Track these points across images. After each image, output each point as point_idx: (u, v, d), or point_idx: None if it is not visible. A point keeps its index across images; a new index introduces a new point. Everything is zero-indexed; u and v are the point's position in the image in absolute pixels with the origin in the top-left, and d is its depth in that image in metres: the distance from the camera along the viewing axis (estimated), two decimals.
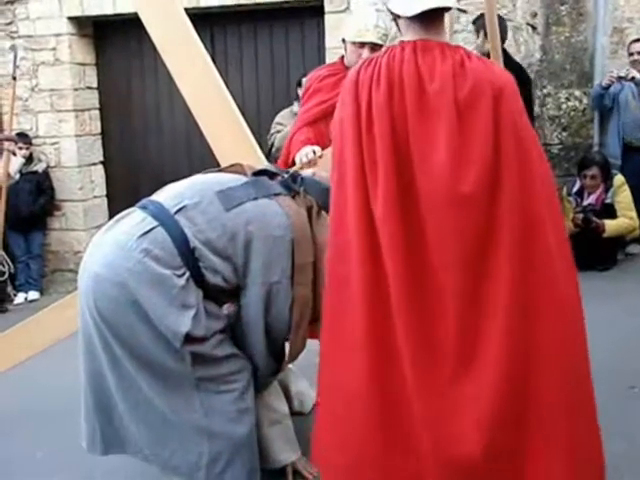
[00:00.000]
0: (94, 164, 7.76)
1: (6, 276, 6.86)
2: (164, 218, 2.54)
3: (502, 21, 4.66)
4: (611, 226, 5.94)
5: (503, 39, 4.62)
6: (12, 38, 7.36)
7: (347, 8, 6.61)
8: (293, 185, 2.80)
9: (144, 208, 2.62)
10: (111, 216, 7.69)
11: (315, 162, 3.24)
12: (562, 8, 6.45)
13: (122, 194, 7.49)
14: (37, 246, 7.35)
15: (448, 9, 2.40)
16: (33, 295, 7.19)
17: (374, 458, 2.29)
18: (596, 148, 6.40)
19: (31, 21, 7.35)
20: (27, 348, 3.26)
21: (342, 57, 3.83)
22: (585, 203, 6.10)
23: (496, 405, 2.19)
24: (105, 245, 2.56)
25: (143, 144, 7.63)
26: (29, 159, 7.13)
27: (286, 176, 2.83)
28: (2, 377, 3.48)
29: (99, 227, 8.31)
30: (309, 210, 2.77)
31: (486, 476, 2.21)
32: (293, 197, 2.75)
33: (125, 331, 2.48)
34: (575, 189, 6.19)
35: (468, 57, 2.28)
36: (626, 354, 4.04)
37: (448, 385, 2.21)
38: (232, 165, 2.87)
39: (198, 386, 2.56)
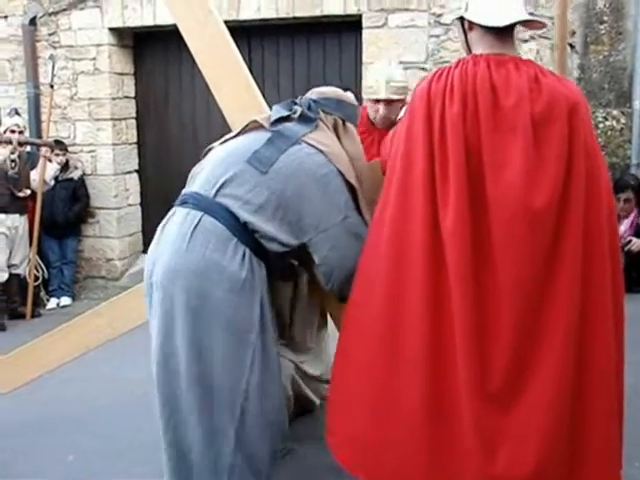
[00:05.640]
0: (129, 172, 7.85)
1: (40, 281, 6.97)
2: (206, 205, 2.54)
3: None
4: None
5: None
6: (54, 48, 7.50)
7: (385, 24, 6.63)
8: (311, 114, 2.76)
9: (184, 203, 2.62)
10: (144, 224, 7.88)
11: None
12: (601, 27, 6.40)
13: (156, 203, 7.57)
14: (71, 252, 7.43)
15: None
16: (65, 301, 7.27)
17: (420, 463, 2.30)
18: (633, 169, 6.31)
19: (73, 31, 7.48)
20: (59, 356, 3.28)
21: (366, 113, 3.82)
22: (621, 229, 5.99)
23: (551, 431, 2.21)
24: (164, 254, 2.55)
25: (178, 154, 7.68)
26: (65, 166, 7.22)
27: (300, 109, 2.76)
28: (39, 382, 3.51)
29: (132, 235, 8.37)
30: (335, 128, 2.78)
31: None
32: (316, 126, 2.72)
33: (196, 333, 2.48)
34: None
35: (542, 72, 2.31)
36: None
37: (500, 405, 2.23)
38: (247, 125, 2.80)
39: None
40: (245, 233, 2.51)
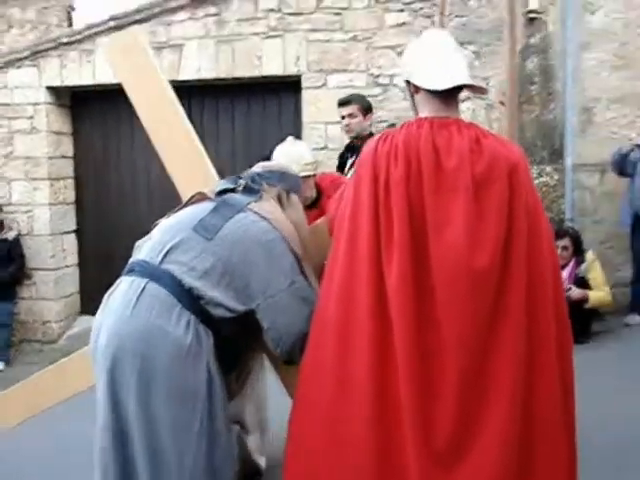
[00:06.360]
0: (67, 232, 7.71)
1: None
2: (152, 272, 2.53)
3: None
4: (593, 297, 5.97)
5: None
6: None
7: (324, 84, 6.75)
8: (255, 186, 2.83)
9: (130, 272, 2.61)
10: (82, 285, 7.71)
11: None
12: (532, 88, 6.65)
13: (94, 263, 7.41)
14: (5, 315, 7.20)
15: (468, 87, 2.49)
16: None
17: None
18: (568, 223, 6.50)
19: (9, 90, 7.41)
20: (24, 409, 3.21)
21: None
22: None
23: None
24: (109, 319, 2.52)
25: (118, 213, 7.59)
26: (0, 227, 7.05)
27: (243, 182, 2.84)
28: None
29: (69, 296, 8.13)
30: (279, 199, 2.85)
31: None
32: (260, 197, 2.78)
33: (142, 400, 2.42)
34: None
35: (483, 134, 2.36)
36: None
37: (445, 465, 2.20)
38: (193, 196, 2.85)
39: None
40: (190, 299, 2.49)
